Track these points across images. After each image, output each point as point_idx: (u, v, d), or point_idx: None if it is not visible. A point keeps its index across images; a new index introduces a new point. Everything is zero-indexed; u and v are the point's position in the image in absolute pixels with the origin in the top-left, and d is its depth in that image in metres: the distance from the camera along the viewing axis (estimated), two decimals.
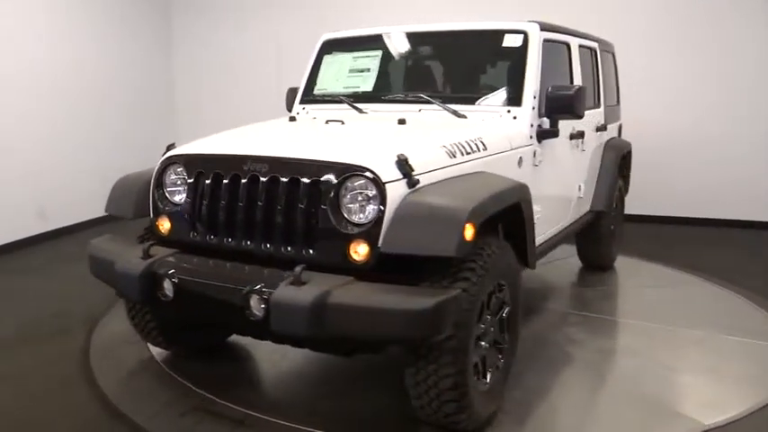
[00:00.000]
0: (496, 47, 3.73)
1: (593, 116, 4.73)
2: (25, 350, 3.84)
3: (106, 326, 4.15)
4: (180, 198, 2.97)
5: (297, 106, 4.16)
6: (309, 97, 4.15)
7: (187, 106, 8.54)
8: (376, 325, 2.32)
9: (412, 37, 4.04)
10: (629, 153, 5.58)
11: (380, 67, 4.01)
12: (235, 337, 3.78)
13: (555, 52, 4.06)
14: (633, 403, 3.12)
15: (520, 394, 3.18)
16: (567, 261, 5.46)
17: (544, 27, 3.74)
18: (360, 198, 2.55)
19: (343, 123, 3.39)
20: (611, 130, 5.32)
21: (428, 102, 3.61)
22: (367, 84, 3.97)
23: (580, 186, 4.48)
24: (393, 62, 4.07)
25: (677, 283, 5.04)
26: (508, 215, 2.94)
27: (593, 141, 4.76)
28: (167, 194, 3.01)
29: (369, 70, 4.02)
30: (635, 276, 5.28)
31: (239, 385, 3.32)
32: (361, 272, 2.51)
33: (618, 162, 5.03)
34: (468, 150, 2.95)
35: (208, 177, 2.84)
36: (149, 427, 2.91)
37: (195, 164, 2.91)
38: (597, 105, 4.88)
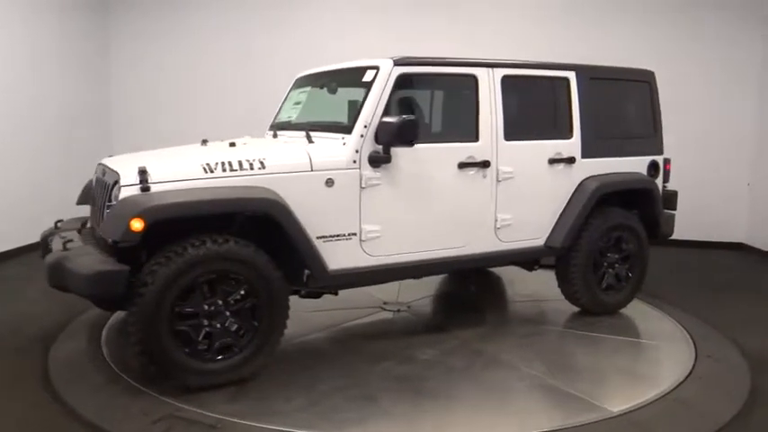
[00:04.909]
0: (361, 81, 4.17)
1: (545, 147, 4.60)
2: None
3: (63, 346, 4.20)
4: None
5: (267, 131, 5.16)
6: (274, 124, 5.11)
7: (126, 128, 8.55)
8: (73, 283, 3.31)
9: (319, 76, 4.72)
10: (647, 192, 5.02)
11: (308, 100, 4.78)
12: None
13: (443, 84, 4.28)
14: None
15: (268, 378, 3.66)
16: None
17: (404, 62, 4.03)
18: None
19: (205, 143, 4.34)
20: (627, 164, 4.96)
21: (302, 129, 4.28)
22: (295, 114, 4.79)
23: (498, 217, 4.43)
24: (313, 96, 4.78)
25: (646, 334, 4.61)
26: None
27: (547, 173, 4.60)
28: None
29: (299, 103, 4.83)
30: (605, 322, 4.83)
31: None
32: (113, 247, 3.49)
33: (590, 200, 4.67)
34: (236, 168, 3.62)
35: (95, 178, 4.16)
36: None
37: (98, 169, 4.25)
38: (559, 136, 4.67)
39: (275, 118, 5.13)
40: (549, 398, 3.53)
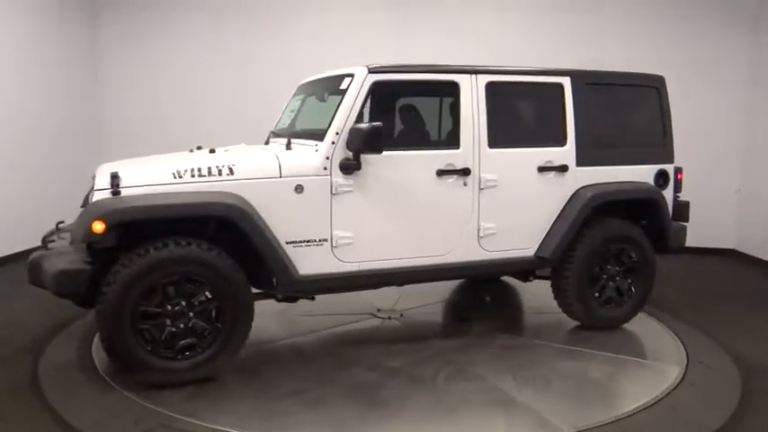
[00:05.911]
0: (339, 89, 4.22)
1: (534, 155, 4.48)
2: None
3: (52, 356, 4.17)
4: None
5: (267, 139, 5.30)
6: (272, 132, 5.24)
7: (117, 136, 8.41)
8: (44, 280, 3.53)
9: (311, 84, 4.79)
10: (652, 202, 4.78)
11: (301, 107, 4.88)
12: None
13: (423, 91, 4.26)
14: None
15: (237, 379, 3.77)
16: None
17: (379, 70, 4.04)
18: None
19: (192, 151, 4.50)
20: (631, 173, 4.77)
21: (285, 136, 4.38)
22: (289, 122, 4.89)
23: (481, 225, 4.35)
24: (307, 104, 4.86)
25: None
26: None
27: (536, 182, 4.48)
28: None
29: (293, 111, 4.93)
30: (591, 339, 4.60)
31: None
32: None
33: (583, 210, 4.50)
34: (204, 173, 3.74)
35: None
36: None
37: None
38: (550, 144, 4.53)
39: (275, 125, 5.26)
40: (501, 412, 3.42)
